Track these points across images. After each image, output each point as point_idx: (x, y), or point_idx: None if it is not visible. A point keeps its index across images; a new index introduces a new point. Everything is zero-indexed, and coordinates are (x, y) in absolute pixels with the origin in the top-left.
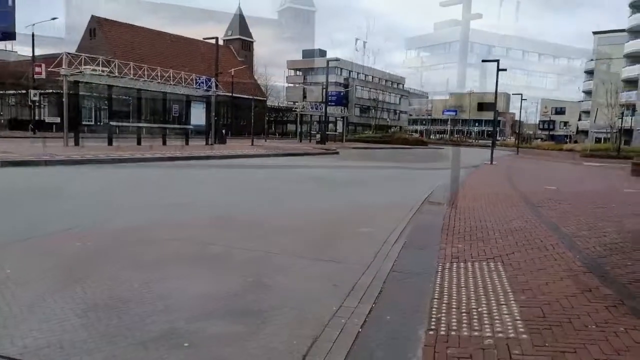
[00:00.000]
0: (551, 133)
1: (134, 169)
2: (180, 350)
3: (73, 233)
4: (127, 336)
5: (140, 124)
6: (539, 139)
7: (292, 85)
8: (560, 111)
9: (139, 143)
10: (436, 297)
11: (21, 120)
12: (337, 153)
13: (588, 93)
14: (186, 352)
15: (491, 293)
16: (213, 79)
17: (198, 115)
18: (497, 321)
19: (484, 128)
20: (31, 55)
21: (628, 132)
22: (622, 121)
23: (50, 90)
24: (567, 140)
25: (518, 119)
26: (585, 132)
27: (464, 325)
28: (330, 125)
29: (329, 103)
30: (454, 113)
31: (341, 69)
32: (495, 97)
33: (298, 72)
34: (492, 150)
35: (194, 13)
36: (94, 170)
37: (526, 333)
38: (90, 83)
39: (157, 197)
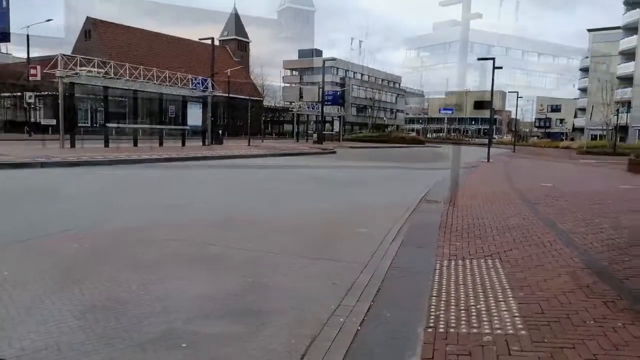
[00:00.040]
0: (547, 131)
1: (131, 170)
2: (178, 351)
3: (71, 234)
4: (125, 337)
5: (137, 125)
6: (535, 137)
7: (288, 85)
8: (556, 109)
9: (135, 144)
10: (434, 294)
11: (16, 122)
12: (334, 152)
13: (584, 90)
14: (184, 353)
15: (489, 290)
16: (209, 80)
17: (194, 116)
18: (495, 318)
19: (480, 126)
20: (26, 57)
21: (623, 129)
22: (617, 118)
23: (46, 93)
24: (563, 138)
25: (514, 117)
26: (581, 130)
27: (463, 322)
28: (327, 125)
29: (326, 103)
30: (450, 112)
31: (337, 68)
32: (492, 96)
33: (294, 72)
34: (488, 149)
35: (189, 14)
36: (90, 172)
37: (525, 329)
38: (86, 85)
39: (155, 198)
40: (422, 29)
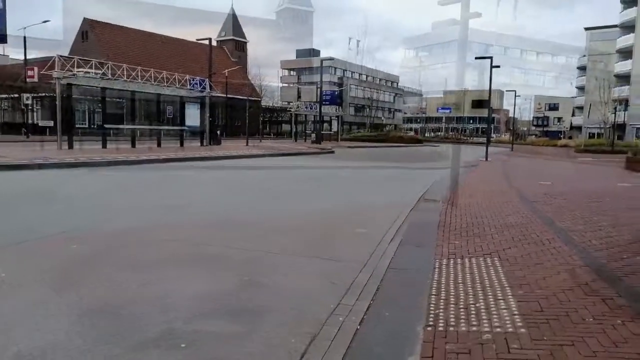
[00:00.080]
0: (545, 129)
1: (129, 172)
2: (177, 351)
3: (69, 235)
4: (125, 337)
5: (135, 126)
6: (533, 136)
7: (286, 85)
8: (553, 107)
9: (133, 145)
10: (434, 293)
11: (14, 124)
12: (332, 152)
13: (581, 89)
14: (184, 353)
15: (488, 288)
16: (207, 80)
17: (192, 117)
18: (495, 316)
19: (478, 125)
20: (23, 58)
21: (621, 127)
22: (615, 116)
23: (43, 94)
24: (561, 136)
25: (512, 116)
26: (578, 128)
27: (462, 320)
28: (325, 125)
29: (324, 102)
30: (448, 111)
31: (335, 68)
32: (490, 94)
33: (292, 72)
34: (487, 147)
35: (186, 14)
36: (88, 173)
37: (524, 327)
38: (84, 86)
39: (154, 198)
40: (421, 29)
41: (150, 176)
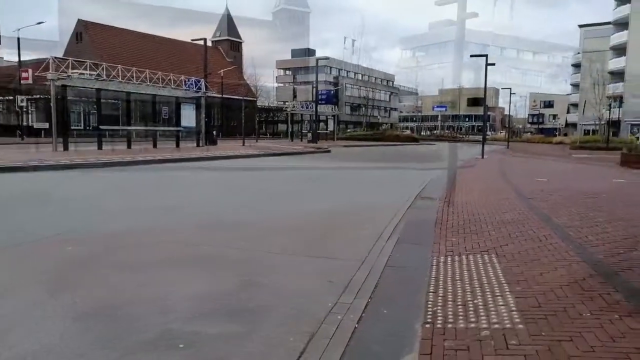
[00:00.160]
0: (540, 126)
1: (125, 173)
2: (176, 352)
3: (64, 237)
4: (122, 338)
5: (130, 127)
6: (529, 133)
7: (282, 85)
8: (549, 105)
9: (129, 146)
10: (432, 290)
11: (9, 126)
12: (328, 151)
13: (576, 86)
14: (182, 354)
15: (486, 285)
16: (202, 81)
17: (188, 117)
18: (493, 312)
19: (474, 123)
20: (17, 60)
21: (616, 124)
22: (610, 113)
23: (38, 96)
24: (556, 133)
25: (508, 114)
26: (573, 125)
27: (460, 317)
28: (321, 124)
29: (319, 102)
30: (444, 109)
31: (331, 67)
32: (485, 92)
33: (287, 72)
34: (482, 145)
35: (181, 15)
36: (84, 175)
37: (522, 323)
38: (79, 87)
39: (150, 199)
40: (418, 29)
41: (147, 177)
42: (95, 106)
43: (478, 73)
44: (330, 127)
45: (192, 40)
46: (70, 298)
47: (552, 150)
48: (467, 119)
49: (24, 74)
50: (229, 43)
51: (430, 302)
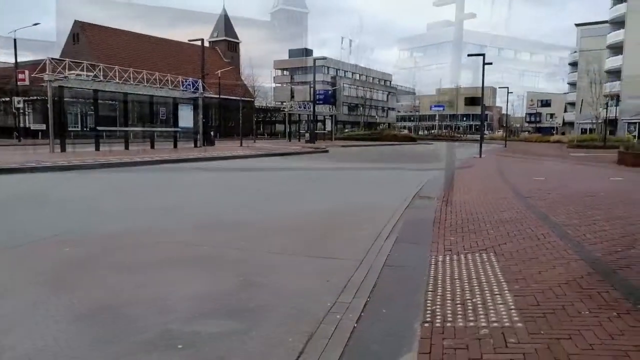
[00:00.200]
0: (538, 125)
1: (123, 174)
2: (175, 352)
3: (62, 239)
4: (121, 339)
5: (128, 128)
6: (526, 132)
7: (279, 85)
8: (546, 104)
9: (126, 147)
10: (430, 289)
11: (5, 128)
12: (326, 152)
13: (573, 85)
14: (181, 354)
15: (485, 284)
16: (200, 81)
17: (186, 118)
18: (491, 311)
19: (472, 122)
20: (14, 61)
21: (613, 122)
22: (607, 111)
23: (35, 97)
24: (554, 132)
25: (505, 113)
26: (571, 124)
27: (459, 316)
28: (319, 124)
29: (317, 102)
30: (441, 108)
31: (328, 67)
32: (482, 92)
33: (285, 72)
34: (480, 144)
35: (178, 15)
36: (81, 176)
37: (521, 322)
38: (76, 88)
39: (148, 200)
40: (416, 29)
41: (145, 178)
42: (92, 107)
43: (476, 73)
44: (328, 127)
45: (190, 40)
46: (69, 299)
47: (550, 149)
48: (464, 119)
49: (20, 75)
50: (227, 43)
51: (429, 301)
